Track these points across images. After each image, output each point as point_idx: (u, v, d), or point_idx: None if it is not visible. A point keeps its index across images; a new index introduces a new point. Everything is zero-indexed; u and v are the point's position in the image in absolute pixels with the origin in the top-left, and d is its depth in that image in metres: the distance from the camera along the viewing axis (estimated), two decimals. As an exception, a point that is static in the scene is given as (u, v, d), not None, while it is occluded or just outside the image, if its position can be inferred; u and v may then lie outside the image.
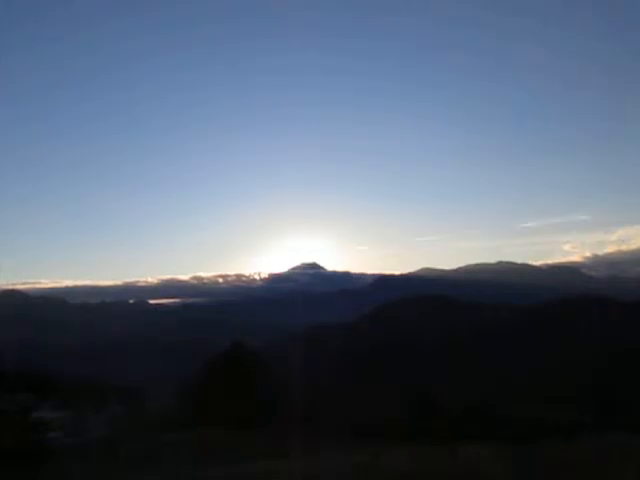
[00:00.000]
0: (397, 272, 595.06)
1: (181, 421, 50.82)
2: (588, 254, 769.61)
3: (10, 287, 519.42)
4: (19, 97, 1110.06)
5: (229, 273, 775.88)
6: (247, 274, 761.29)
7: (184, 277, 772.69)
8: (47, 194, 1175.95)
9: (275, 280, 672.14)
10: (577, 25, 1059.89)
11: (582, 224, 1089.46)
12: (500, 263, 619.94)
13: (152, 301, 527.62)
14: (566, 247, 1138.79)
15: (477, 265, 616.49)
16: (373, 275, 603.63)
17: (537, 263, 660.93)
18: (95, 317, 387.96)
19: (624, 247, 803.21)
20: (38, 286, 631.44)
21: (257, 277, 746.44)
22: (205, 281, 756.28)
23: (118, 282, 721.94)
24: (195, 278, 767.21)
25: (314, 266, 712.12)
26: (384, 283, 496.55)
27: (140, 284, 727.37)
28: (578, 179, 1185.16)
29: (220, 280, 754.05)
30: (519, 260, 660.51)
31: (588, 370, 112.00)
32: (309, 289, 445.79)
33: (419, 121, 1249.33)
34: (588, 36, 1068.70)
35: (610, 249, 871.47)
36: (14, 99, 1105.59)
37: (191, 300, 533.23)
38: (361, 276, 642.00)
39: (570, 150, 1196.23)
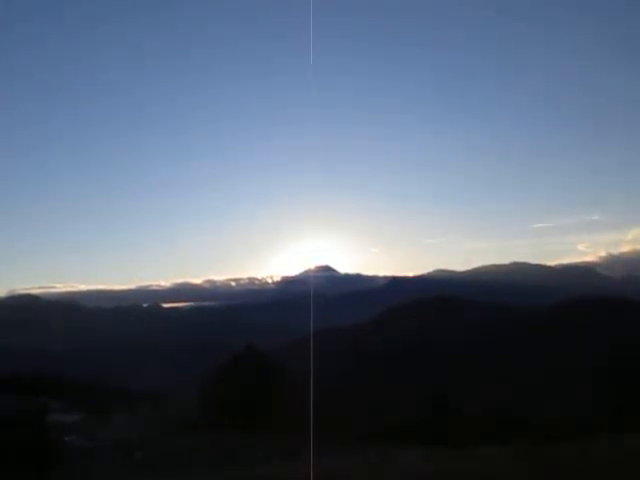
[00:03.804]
0: (410, 274, 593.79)
1: (196, 424, 50.91)
2: (603, 254, 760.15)
3: (24, 292, 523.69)
4: (23, 100, 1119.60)
5: (242, 276, 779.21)
6: (259, 277, 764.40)
7: (197, 280, 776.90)
8: (60, 199, 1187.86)
9: (288, 283, 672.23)
10: (585, 26, 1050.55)
11: (594, 224, 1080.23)
12: (514, 264, 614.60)
13: (165, 305, 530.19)
14: (580, 247, 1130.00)
15: (491, 266, 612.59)
16: (386, 277, 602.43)
17: (552, 263, 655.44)
18: (110, 321, 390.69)
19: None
20: (52, 290, 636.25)
21: (269, 280, 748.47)
22: (218, 284, 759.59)
23: (131, 286, 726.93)
24: (208, 281, 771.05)
25: (327, 269, 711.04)
26: (397, 285, 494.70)
27: (153, 288, 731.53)
28: (588, 179, 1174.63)
29: (233, 283, 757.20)
30: (533, 261, 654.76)
31: (605, 371, 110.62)
32: (322, 292, 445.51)
33: (430, 122, 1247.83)
34: (595, 36, 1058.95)
35: (625, 248, 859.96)
36: (18, 102, 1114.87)
37: (204, 303, 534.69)
38: (374, 278, 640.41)
39: (580, 150, 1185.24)
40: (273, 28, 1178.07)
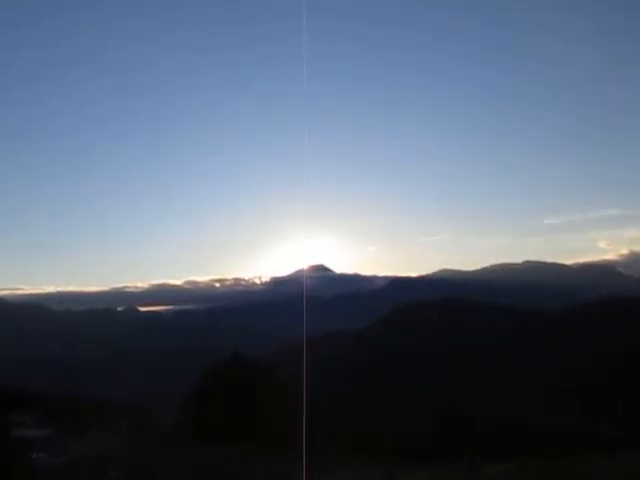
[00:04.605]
0: (413, 274, 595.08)
1: (178, 439, 51.05)
2: (625, 251, 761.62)
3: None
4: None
5: (227, 277, 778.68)
6: (246, 278, 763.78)
7: (177, 281, 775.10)
8: (26, 194, 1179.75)
9: (278, 284, 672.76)
10: (600, 20, 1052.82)
11: (613, 219, 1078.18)
12: (527, 263, 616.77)
13: (142, 308, 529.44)
14: (600, 244, 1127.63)
15: (501, 265, 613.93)
16: (386, 277, 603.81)
17: (568, 262, 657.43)
18: (81, 326, 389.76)
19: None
20: (19, 292, 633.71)
21: (258, 281, 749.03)
22: (200, 285, 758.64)
23: (105, 288, 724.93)
24: (189, 282, 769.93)
25: (321, 268, 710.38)
26: (399, 286, 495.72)
27: (129, 289, 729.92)
28: (608, 169, 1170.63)
29: (217, 284, 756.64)
30: (548, 259, 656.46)
31: (626, 380, 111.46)
32: (316, 293, 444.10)
33: (434, 109, 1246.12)
34: (609, 30, 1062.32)
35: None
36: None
37: (185, 306, 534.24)
38: (373, 279, 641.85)
39: (598, 138, 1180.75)
40: (277, 13, 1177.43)
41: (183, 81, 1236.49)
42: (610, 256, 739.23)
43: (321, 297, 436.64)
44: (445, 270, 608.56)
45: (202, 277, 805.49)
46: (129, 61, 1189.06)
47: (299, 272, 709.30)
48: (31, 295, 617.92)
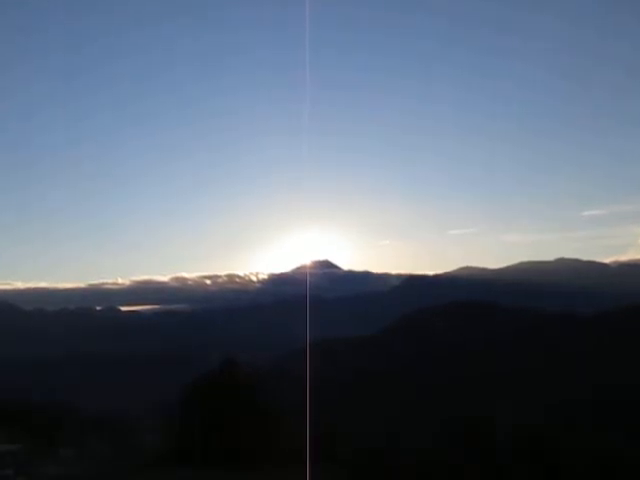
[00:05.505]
0: (429, 272, 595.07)
1: (161, 459, 50.97)
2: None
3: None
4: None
5: (219, 273, 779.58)
6: (242, 274, 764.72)
7: (163, 278, 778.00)
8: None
9: (277, 282, 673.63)
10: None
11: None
12: (560, 261, 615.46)
13: (123, 307, 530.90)
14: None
15: (530, 263, 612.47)
16: (399, 276, 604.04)
17: (607, 260, 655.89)
18: (53, 327, 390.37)
19: None
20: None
21: (254, 278, 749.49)
22: (189, 283, 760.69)
23: (81, 284, 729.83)
24: (176, 279, 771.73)
25: (326, 265, 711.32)
26: (413, 286, 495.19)
27: (108, 286, 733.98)
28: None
29: (208, 282, 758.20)
30: (584, 257, 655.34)
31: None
32: (320, 293, 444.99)
33: (459, 91, 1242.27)
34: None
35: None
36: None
37: (172, 306, 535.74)
38: (384, 277, 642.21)
39: (637, 123, 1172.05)
40: (278, 20, 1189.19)
41: (176, 72, 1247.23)
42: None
43: (326, 298, 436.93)
44: (466, 268, 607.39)
45: (191, 273, 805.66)
46: (126, 55, 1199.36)
47: (301, 269, 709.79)
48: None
